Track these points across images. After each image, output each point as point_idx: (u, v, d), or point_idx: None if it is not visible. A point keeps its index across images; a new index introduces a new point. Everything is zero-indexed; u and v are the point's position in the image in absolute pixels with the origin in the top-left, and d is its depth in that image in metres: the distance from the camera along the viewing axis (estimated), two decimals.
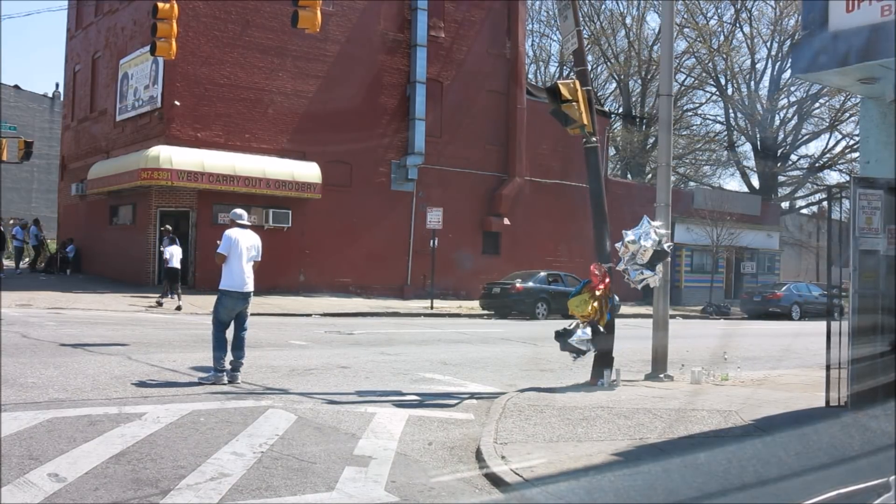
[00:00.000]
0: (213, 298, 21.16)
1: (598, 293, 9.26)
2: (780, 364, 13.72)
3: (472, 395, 9.01)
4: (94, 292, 21.22)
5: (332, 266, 25.57)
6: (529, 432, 6.93)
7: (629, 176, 47.41)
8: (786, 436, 6.92)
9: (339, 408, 7.79)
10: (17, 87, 48.47)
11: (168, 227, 20.69)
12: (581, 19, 10.40)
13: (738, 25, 44.09)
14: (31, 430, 6.15)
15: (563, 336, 9.50)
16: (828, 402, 7.69)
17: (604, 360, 9.74)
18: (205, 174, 22.56)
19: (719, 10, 45.19)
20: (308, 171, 24.37)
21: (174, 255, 19.48)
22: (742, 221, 35.50)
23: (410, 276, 27.53)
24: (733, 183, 56.29)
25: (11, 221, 36.97)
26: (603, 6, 49.77)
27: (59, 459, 5.42)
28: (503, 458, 5.96)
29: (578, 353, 9.46)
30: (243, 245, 8.93)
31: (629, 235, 9.67)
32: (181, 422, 6.74)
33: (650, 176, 48.76)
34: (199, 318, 17.30)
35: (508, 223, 29.52)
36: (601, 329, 9.37)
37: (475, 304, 25.01)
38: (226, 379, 8.72)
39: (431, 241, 24.49)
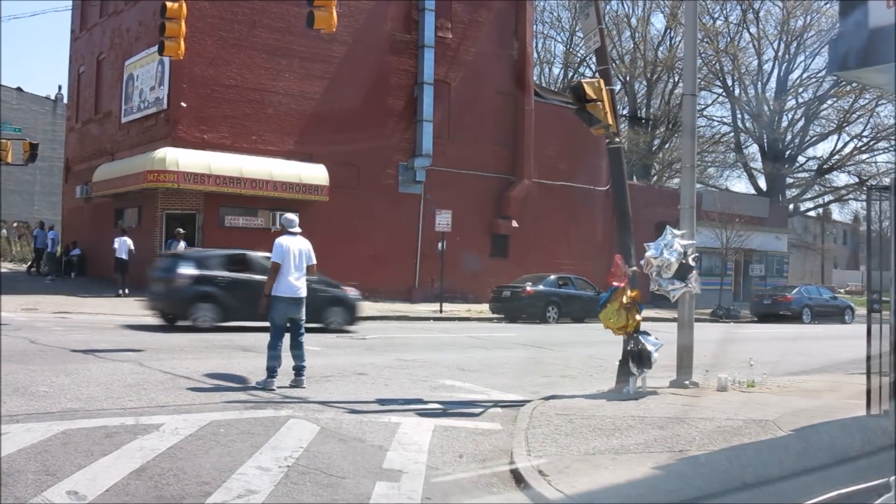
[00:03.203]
0: None
1: (626, 300, 8.98)
2: (801, 369, 13.41)
3: (496, 403, 8.75)
4: (100, 296, 20.97)
5: (340, 268, 25.18)
6: (562, 444, 6.67)
7: (634, 178, 47.14)
8: (832, 448, 6.65)
9: (361, 417, 7.53)
10: (19, 89, 48.27)
11: (180, 230, 20.55)
12: (603, 17, 10.12)
13: (744, 26, 43.84)
14: (45, 443, 5.89)
15: (639, 360, 9.19)
16: (869, 409, 7.42)
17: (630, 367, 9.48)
18: (211, 176, 22.31)
19: (725, 11, 44.99)
20: (315, 174, 24.12)
21: (122, 246, 21.15)
22: (750, 223, 35.23)
23: (418, 279, 27.27)
24: (740, 185, 56.07)
25: (15, 224, 36.76)
26: (608, 7, 49.57)
27: (78, 475, 5.16)
28: (540, 472, 5.70)
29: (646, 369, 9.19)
30: (294, 251, 9.08)
31: (650, 250, 9.37)
32: (201, 433, 6.48)
33: (655, 178, 48.55)
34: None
35: (516, 225, 29.26)
36: (639, 337, 9.11)
37: (484, 307, 24.73)
38: (275, 384, 8.78)
39: (440, 244, 24.23)
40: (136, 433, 6.35)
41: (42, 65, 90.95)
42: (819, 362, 14.81)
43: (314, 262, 9.34)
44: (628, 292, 9.07)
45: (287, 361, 9.13)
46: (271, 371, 8.86)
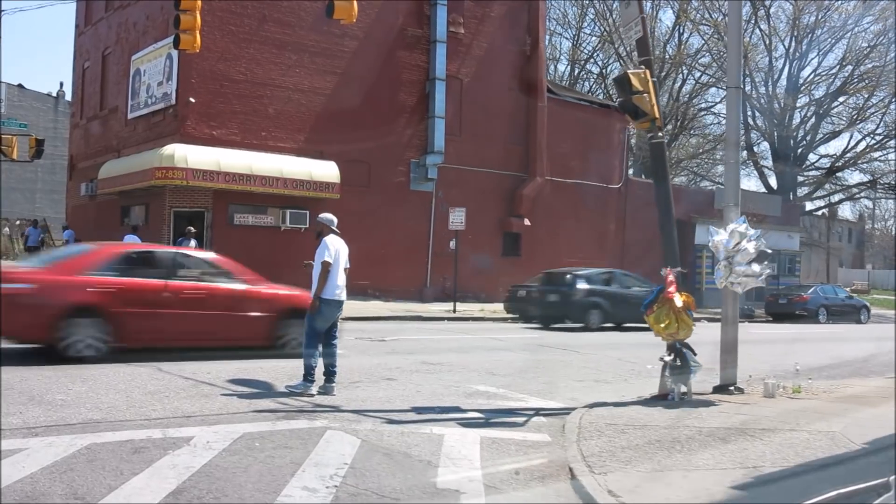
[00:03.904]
0: None
1: (681, 304, 8.50)
2: (836, 373, 12.95)
3: (538, 412, 8.28)
4: None
5: (351, 268, 24.74)
6: (622, 458, 6.19)
7: (643, 176, 46.63)
8: None
9: (401, 428, 7.06)
10: (20, 86, 47.76)
11: (191, 228, 20.08)
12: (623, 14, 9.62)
13: (755, 22, 43.27)
14: (70, 461, 5.41)
15: (677, 374, 8.67)
16: None
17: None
18: (221, 173, 21.80)
19: None
20: (326, 171, 23.61)
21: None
22: (763, 222, 34.73)
23: (430, 279, 26.79)
24: (749, 183, 55.44)
25: (18, 223, 36.28)
26: (614, 4, 48.94)
27: (109, 499, 4.69)
28: (611, 492, 5.22)
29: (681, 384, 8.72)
30: (342, 252, 8.80)
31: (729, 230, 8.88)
32: (235, 448, 6.01)
33: None
34: None
35: (529, 224, 28.74)
36: (687, 344, 8.64)
37: (497, 306, 24.21)
38: (314, 389, 8.45)
39: (452, 242, 23.75)
40: (165, 448, 5.88)
41: (43, 62, 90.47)
42: (852, 364, 14.40)
43: (349, 265, 9.02)
44: (680, 296, 8.56)
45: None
46: (309, 371, 8.48)
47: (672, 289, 8.45)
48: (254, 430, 6.59)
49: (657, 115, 8.74)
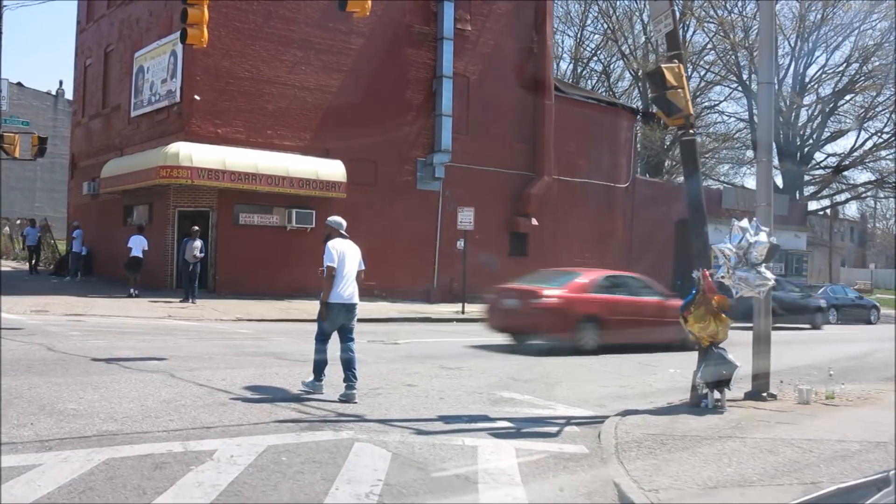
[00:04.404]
0: (236, 303, 20.18)
1: (715, 305, 8.17)
2: (861, 377, 12.61)
3: (569, 420, 7.95)
4: (110, 296, 20.12)
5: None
6: (669, 472, 5.86)
7: (647, 175, 46.33)
8: None
9: (431, 439, 6.73)
10: (19, 84, 47.37)
11: (196, 228, 19.73)
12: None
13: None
14: (87, 478, 5.07)
15: (717, 381, 8.35)
16: None
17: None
18: (226, 172, 21.43)
19: (740, 6, 44.11)
20: (332, 170, 23.25)
21: (137, 244, 20.63)
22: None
23: (437, 279, 26.44)
24: (754, 181, 55.21)
25: (19, 222, 35.91)
26: (618, 3, 48.62)
27: None
28: None
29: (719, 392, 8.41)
30: (348, 255, 8.52)
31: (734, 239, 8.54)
32: (261, 462, 5.67)
33: (667, 175, 47.73)
34: (227, 326, 16.23)
35: (536, 223, 28.39)
36: (723, 354, 8.31)
37: None
38: (324, 389, 8.40)
39: (460, 242, 23.42)
40: (187, 463, 5.54)
41: (42, 60, 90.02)
42: (874, 368, 14.06)
43: (363, 267, 8.75)
44: (715, 296, 8.24)
45: (335, 373, 8.39)
46: (318, 369, 8.42)
47: (710, 285, 8.15)
48: (278, 443, 6.25)
49: (691, 111, 8.42)
